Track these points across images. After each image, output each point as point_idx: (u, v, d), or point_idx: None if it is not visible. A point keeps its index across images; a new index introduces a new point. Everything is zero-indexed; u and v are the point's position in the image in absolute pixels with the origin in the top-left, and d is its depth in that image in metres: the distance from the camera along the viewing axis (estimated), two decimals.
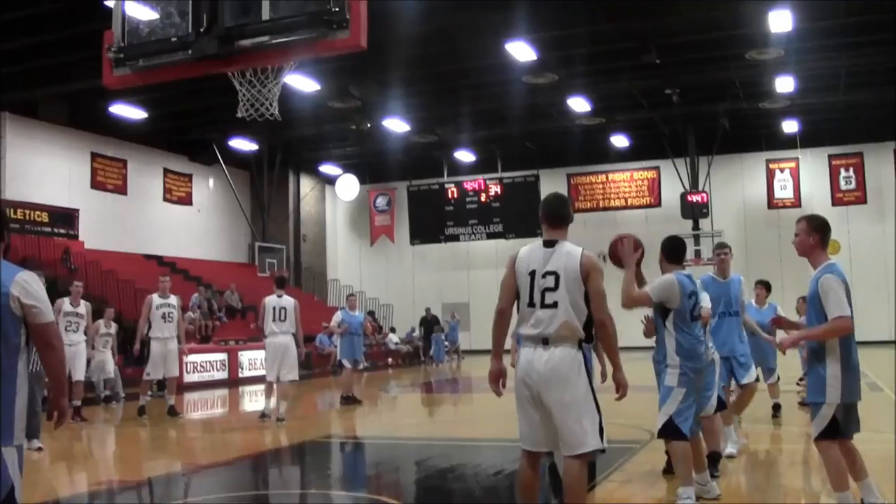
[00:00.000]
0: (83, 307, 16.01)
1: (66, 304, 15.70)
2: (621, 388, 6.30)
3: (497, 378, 6.21)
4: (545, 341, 5.94)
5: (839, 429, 6.44)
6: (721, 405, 8.71)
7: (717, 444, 8.65)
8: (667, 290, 7.53)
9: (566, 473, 5.97)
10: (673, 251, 7.94)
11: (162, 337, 15.97)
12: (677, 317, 7.51)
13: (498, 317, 6.14)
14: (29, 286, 4.75)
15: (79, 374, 15.99)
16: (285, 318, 15.10)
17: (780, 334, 10.57)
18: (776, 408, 13.33)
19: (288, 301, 15.29)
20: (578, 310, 5.96)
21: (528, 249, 6.16)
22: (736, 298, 10.19)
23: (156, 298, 16.15)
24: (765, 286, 13.65)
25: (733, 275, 10.37)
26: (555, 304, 5.94)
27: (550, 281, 5.98)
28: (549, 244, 6.10)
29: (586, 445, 5.85)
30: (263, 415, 15.07)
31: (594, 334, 6.08)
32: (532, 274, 6.03)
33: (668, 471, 8.49)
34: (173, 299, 16.39)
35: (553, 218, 6.22)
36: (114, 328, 19.47)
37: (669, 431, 7.39)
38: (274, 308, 15.16)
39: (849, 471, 6.51)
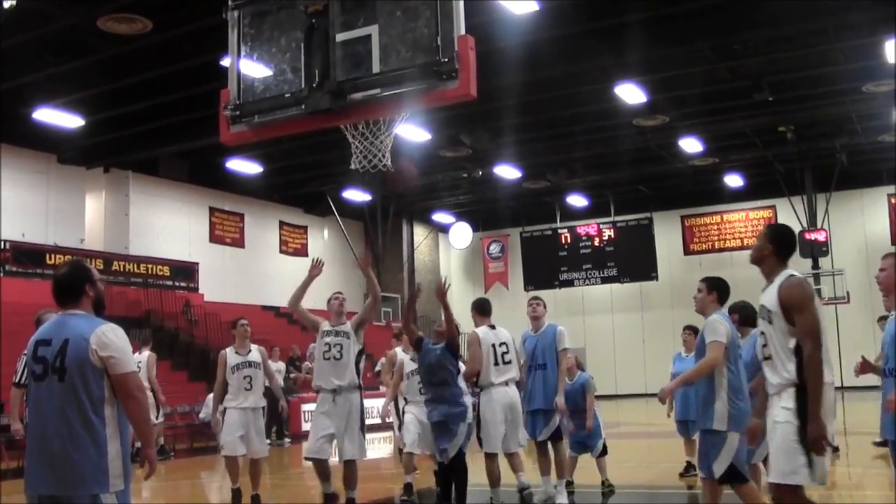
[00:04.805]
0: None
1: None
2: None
3: None
4: (506, 383, 10.33)
5: None
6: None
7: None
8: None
9: (515, 458, 10.57)
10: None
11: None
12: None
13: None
14: (106, 337, 4.89)
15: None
16: None
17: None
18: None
19: None
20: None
21: (483, 332, 10.54)
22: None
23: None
24: (693, 332, 11.57)
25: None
26: (510, 362, 10.46)
27: (504, 348, 10.45)
28: (493, 327, 10.67)
29: (522, 444, 10.60)
30: None
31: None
32: (493, 346, 10.40)
33: None
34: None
35: (488, 312, 11.04)
36: None
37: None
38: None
39: None
